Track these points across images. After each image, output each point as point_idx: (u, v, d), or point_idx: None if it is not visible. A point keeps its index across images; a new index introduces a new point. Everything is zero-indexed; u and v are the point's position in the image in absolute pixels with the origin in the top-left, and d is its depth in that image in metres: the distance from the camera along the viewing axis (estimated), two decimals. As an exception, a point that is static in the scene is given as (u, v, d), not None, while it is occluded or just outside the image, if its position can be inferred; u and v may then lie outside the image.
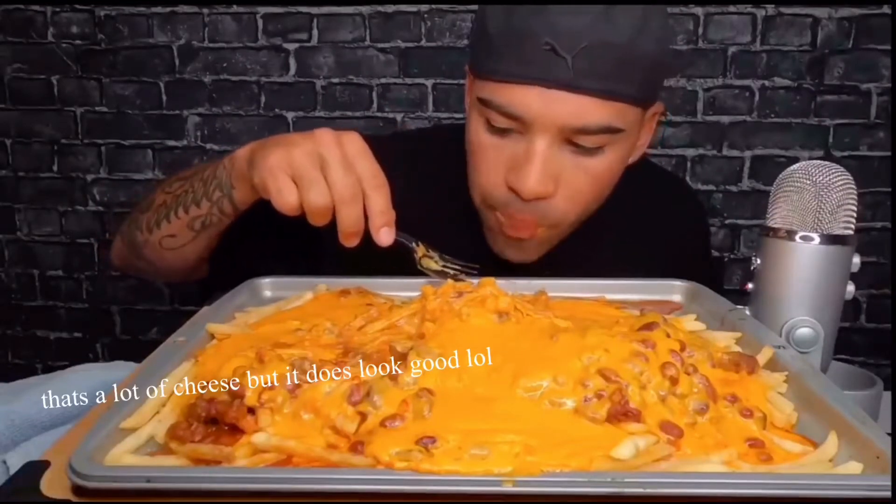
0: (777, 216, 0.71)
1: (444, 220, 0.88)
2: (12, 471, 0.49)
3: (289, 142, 0.69)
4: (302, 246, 0.88)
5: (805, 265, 0.69)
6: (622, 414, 0.46)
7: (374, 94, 1.85)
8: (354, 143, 0.68)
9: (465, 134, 0.84)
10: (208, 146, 1.90)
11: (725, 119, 1.82)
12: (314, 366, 0.49)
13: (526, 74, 0.73)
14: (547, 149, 0.75)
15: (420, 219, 0.76)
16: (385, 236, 0.68)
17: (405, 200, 0.73)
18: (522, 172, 0.76)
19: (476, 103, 0.79)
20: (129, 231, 0.88)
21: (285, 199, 0.67)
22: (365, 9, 1.80)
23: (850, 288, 0.71)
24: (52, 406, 0.59)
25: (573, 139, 0.76)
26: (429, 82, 1.84)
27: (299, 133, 0.70)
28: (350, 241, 0.69)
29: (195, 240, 0.83)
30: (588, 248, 0.90)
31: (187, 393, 0.50)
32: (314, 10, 1.81)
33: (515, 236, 0.83)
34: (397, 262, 0.78)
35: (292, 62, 1.85)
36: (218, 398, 0.47)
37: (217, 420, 0.46)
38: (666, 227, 0.99)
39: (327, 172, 0.66)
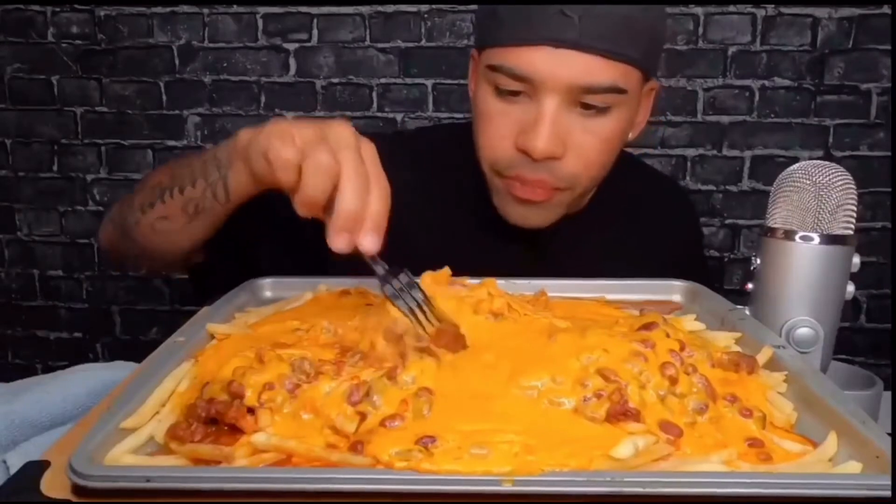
0: (777, 216, 0.71)
1: (456, 212, 0.92)
2: (12, 471, 0.49)
3: (302, 123, 0.63)
4: (304, 250, 0.89)
5: (805, 265, 0.69)
6: (621, 413, 0.46)
7: (374, 94, 1.85)
8: (370, 147, 0.62)
9: (473, 109, 0.86)
10: (208, 146, 1.89)
11: (725, 119, 1.82)
12: (314, 366, 0.49)
13: (535, 36, 0.76)
14: (556, 109, 0.77)
15: (432, 212, 0.77)
16: (370, 243, 0.57)
17: (416, 196, 0.73)
18: (532, 133, 0.78)
19: (484, 73, 0.82)
20: (120, 212, 0.84)
21: (284, 156, 0.59)
22: (365, 9, 1.80)
23: (850, 288, 0.71)
24: (52, 406, 0.59)
25: (581, 99, 0.78)
26: (429, 82, 1.84)
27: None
28: (346, 227, 0.57)
29: (188, 226, 0.78)
30: (586, 244, 0.93)
31: (187, 393, 0.50)
32: (314, 10, 1.81)
33: (528, 198, 0.83)
34: (398, 262, 0.79)
35: (292, 62, 1.85)
36: (218, 398, 0.47)
37: (217, 420, 0.46)
38: (659, 228, 1.00)
39: (337, 149, 0.59)
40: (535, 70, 0.76)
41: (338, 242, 0.58)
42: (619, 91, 0.78)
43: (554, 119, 0.77)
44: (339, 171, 0.58)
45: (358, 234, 0.57)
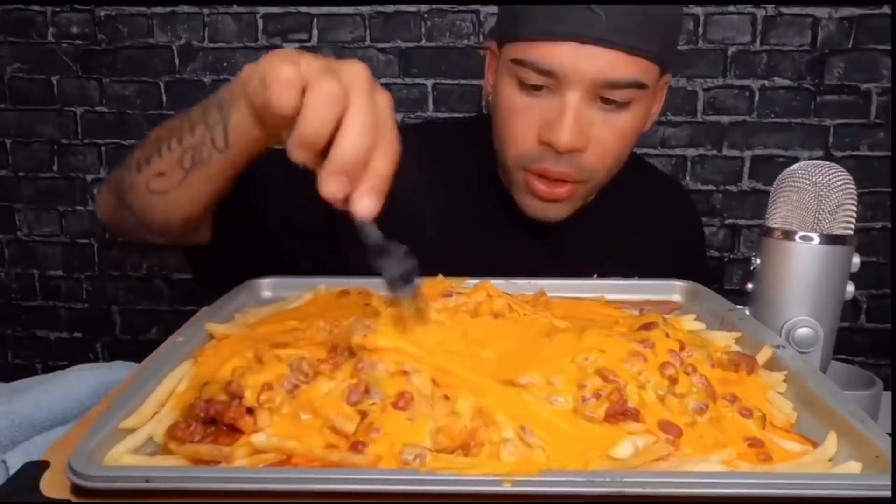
0: (777, 216, 0.71)
1: (467, 204, 0.94)
2: (12, 471, 0.49)
3: (307, 54, 0.56)
4: (309, 249, 0.89)
5: (805, 265, 0.69)
6: (621, 413, 0.46)
7: (374, 94, 1.85)
8: (386, 95, 0.54)
9: (494, 103, 0.87)
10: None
11: (725, 119, 1.82)
12: (312, 366, 0.49)
13: (561, 31, 0.77)
14: (578, 103, 0.79)
15: (444, 204, 0.81)
16: (368, 203, 0.51)
17: (427, 187, 0.77)
18: (557, 127, 0.79)
19: (508, 66, 0.83)
20: (119, 174, 0.77)
21: (283, 75, 0.52)
22: (365, 9, 1.80)
23: (850, 288, 0.71)
24: (52, 406, 0.59)
25: (603, 94, 0.79)
26: (429, 82, 1.83)
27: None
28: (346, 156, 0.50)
29: (184, 183, 0.69)
30: (591, 240, 0.95)
31: (187, 393, 0.50)
32: (314, 10, 1.81)
33: (550, 199, 0.85)
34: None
35: (292, 62, 1.85)
36: (216, 398, 0.47)
37: (216, 420, 0.46)
38: (660, 227, 1.01)
39: (348, 83, 0.52)
40: (561, 65, 0.78)
41: (330, 186, 0.50)
42: (640, 86, 0.80)
43: (577, 113, 0.79)
44: (346, 106, 0.51)
45: (355, 189, 0.50)
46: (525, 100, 0.82)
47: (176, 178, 0.69)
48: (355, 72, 0.53)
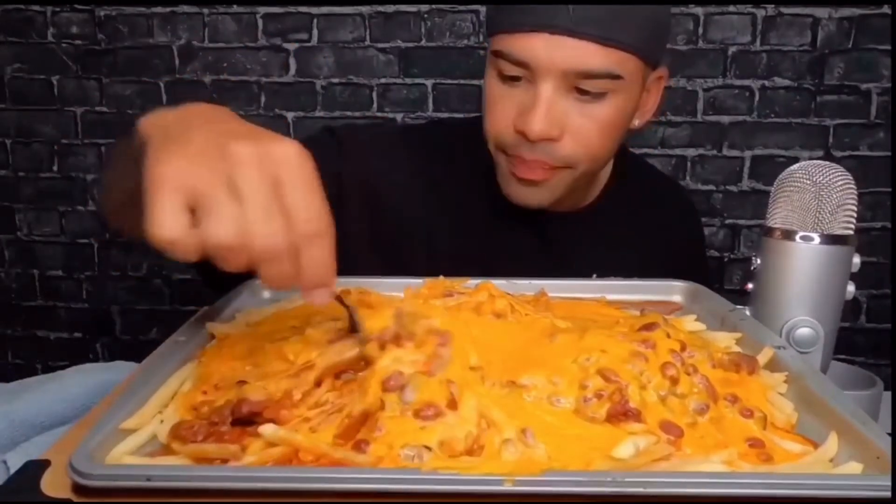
0: (777, 216, 0.71)
1: (468, 200, 0.94)
2: (12, 471, 0.49)
3: (196, 151, 0.46)
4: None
5: (805, 265, 0.69)
6: (622, 414, 0.46)
7: (374, 94, 1.85)
8: (290, 165, 0.46)
9: (482, 94, 0.89)
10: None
11: (725, 119, 1.82)
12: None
13: (532, 23, 0.78)
14: (552, 94, 0.80)
15: (444, 200, 0.82)
16: (319, 297, 0.49)
17: (429, 184, 0.78)
18: (529, 116, 0.80)
19: (490, 58, 0.84)
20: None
21: (160, 223, 0.44)
22: (365, 9, 1.81)
23: (850, 288, 0.71)
24: (52, 406, 0.59)
25: (577, 84, 0.80)
26: (429, 82, 1.84)
27: (215, 132, 0.49)
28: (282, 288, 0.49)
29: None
30: (591, 239, 0.95)
31: (191, 393, 0.50)
32: (314, 10, 1.81)
33: (527, 178, 0.85)
34: (397, 263, 0.79)
35: (292, 62, 1.85)
36: (250, 397, 0.47)
37: (217, 422, 0.46)
38: (661, 227, 1.01)
39: (242, 206, 0.44)
40: (533, 56, 0.79)
41: (307, 299, 0.49)
42: (615, 77, 0.80)
43: (549, 103, 0.80)
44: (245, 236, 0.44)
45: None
46: (504, 90, 0.83)
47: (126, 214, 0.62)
48: (242, 161, 0.45)
